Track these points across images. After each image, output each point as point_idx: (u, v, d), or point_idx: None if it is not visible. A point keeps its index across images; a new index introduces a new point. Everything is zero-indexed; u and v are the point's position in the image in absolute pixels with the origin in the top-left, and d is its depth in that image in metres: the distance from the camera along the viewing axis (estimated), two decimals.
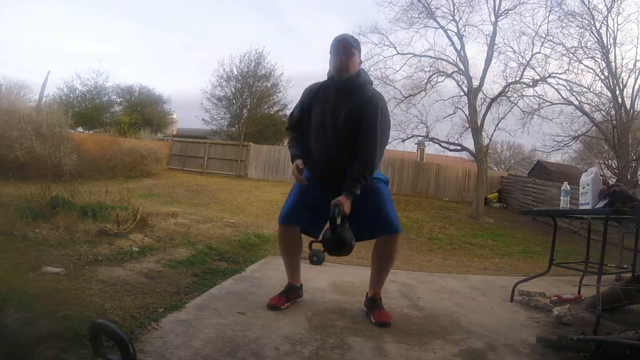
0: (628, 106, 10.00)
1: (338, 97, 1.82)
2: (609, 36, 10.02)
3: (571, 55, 10.19)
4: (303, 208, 1.87)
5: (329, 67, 1.87)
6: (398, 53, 11.41)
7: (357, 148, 1.79)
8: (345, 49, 1.80)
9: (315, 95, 1.88)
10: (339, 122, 1.78)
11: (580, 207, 2.26)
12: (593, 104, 10.54)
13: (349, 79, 1.81)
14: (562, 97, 10.54)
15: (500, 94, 10.61)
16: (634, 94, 9.95)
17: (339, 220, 1.66)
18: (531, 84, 10.54)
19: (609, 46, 10.03)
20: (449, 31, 10.89)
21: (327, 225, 1.73)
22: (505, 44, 10.96)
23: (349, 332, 1.62)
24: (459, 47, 10.80)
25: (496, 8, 10.42)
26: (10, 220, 2.60)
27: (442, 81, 11.29)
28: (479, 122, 10.47)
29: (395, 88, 11.36)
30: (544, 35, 10.26)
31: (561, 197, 2.45)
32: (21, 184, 3.39)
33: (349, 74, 1.80)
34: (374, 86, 1.92)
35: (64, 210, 2.91)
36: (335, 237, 1.68)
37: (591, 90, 10.35)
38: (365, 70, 1.93)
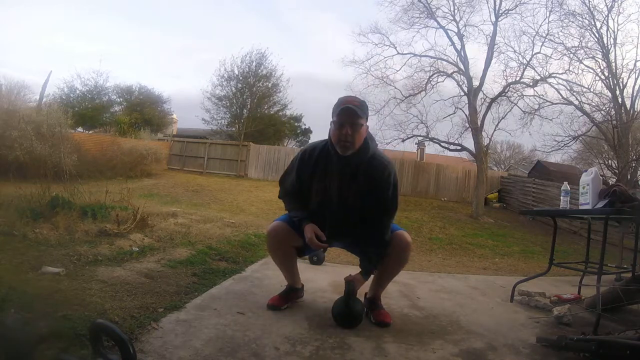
0: (628, 106, 9.99)
1: (344, 170, 1.66)
2: (609, 36, 10.03)
3: (572, 55, 10.20)
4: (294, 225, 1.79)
5: (330, 131, 1.66)
6: (398, 53, 11.42)
7: (368, 222, 1.69)
8: (351, 121, 1.58)
9: (315, 164, 1.70)
10: (349, 196, 1.67)
11: (580, 207, 2.26)
12: (593, 104, 10.53)
13: (355, 153, 1.63)
14: (562, 97, 10.53)
15: (500, 94, 10.60)
16: (634, 94, 9.95)
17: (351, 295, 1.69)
18: (531, 84, 10.53)
19: (609, 46, 10.03)
20: (449, 31, 10.90)
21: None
22: (505, 44, 10.96)
23: (349, 332, 1.61)
24: (459, 47, 10.80)
25: (496, 8, 10.43)
26: (10, 220, 2.60)
27: (442, 81, 11.28)
28: (479, 122, 10.46)
29: (395, 88, 11.37)
30: (544, 35, 10.26)
31: (561, 197, 2.45)
32: (21, 184, 3.38)
33: (354, 149, 1.62)
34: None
35: (64, 210, 2.91)
36: (348, 311, 1.67)
37: (591, 90, 10.35)
38: (371, 135, 1.73)
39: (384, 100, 11.33)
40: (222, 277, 2.30)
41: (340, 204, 1.70)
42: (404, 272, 3.21)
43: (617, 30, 9.93)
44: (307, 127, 21.36)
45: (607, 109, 10.31)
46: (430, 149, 13.83)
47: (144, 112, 17.83)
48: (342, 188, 1.68)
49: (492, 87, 11.21)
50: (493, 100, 10.62)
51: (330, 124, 1.66)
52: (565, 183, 2.56)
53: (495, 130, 10.90)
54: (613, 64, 9.97)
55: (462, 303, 2.28)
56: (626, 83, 10.04)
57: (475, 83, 10.64)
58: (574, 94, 10.44)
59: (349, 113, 1.59)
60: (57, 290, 1.66)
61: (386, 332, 1.66)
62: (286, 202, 1.84)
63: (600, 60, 10.16)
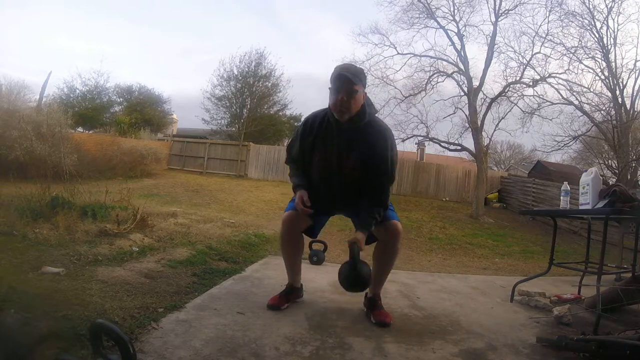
0: (628, 106, 10.01)
1: (342, 138, 1.72)
2: (609, 36, 10.04)
3: (571, 55, 10.21)
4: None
5: (329, 100, 1.70)
6: (398, 53, 11.42)
7: (367, 185, 1.73)
8: (346, 87, 1.62)
9: (315, 135, 1.76)
10: (347, 166, 1.72)
11: (580, 207, 2.26)
12: (593, 104, 10.56)
13: (352, 119, 1.68)
14: (562, 97, 10.55)
15: (500, 94, 10.60)
16: (634, 94, 9.98)
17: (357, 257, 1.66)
18: (531, 84, 10.53)
19: (609, 46, 10.06)
20: (449, 31, 10.91)
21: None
22: (505, 44, 10.99)
23: (349, 332, 1.62)
24: (459, 47, 10.81)
25: (496, 8, 10.44)
26: (10, 220, 2.60)
27: (443, 81, 11.30)
28: (479, 122, 10.47)
29: (395, 88, 11.39)
30: (544, 35, 10.27)
31: (561, 197, 2.45)
32: (21, 184, 3.39)
33: (350, 115, 1.66)
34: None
35: (64, 210, 2.91)
36: (355, 274, 1.64)
37: (591, 90, 10.38)
38: (370, 100, 1.79)
39: (384, 100, 11.36)
40: (222, 277, 2.30)
41: (340, 169, 1.74)
42: (404, 272, 3.22)
43: (617, 30, 9.96)
44: None
45: (607, 109, 10.34)
46: (430, 149, 13.90)
47: (144, 112, 17.80)
48: (342, 152, 1.73)
49: (492, 87, 11.27)
50: (493, 100, 10.63)
51: (329, 93, 1.70)
52: (565, 183, 2.56)
53: (495, 130, 10.95)
54: (613, 64, 9.99)
55: (462, 303, 2.28)
56: (626, 83, 10.08)
57: (475, 83, 10.65)
58: (574, 94, 10.48)
59: (344, 80, 1.63)
60: (57, 290, 1.66)
61: (386, 332, 1.65)
62: (291, 168, 1.91)
63: (600, 60, 10.20)
